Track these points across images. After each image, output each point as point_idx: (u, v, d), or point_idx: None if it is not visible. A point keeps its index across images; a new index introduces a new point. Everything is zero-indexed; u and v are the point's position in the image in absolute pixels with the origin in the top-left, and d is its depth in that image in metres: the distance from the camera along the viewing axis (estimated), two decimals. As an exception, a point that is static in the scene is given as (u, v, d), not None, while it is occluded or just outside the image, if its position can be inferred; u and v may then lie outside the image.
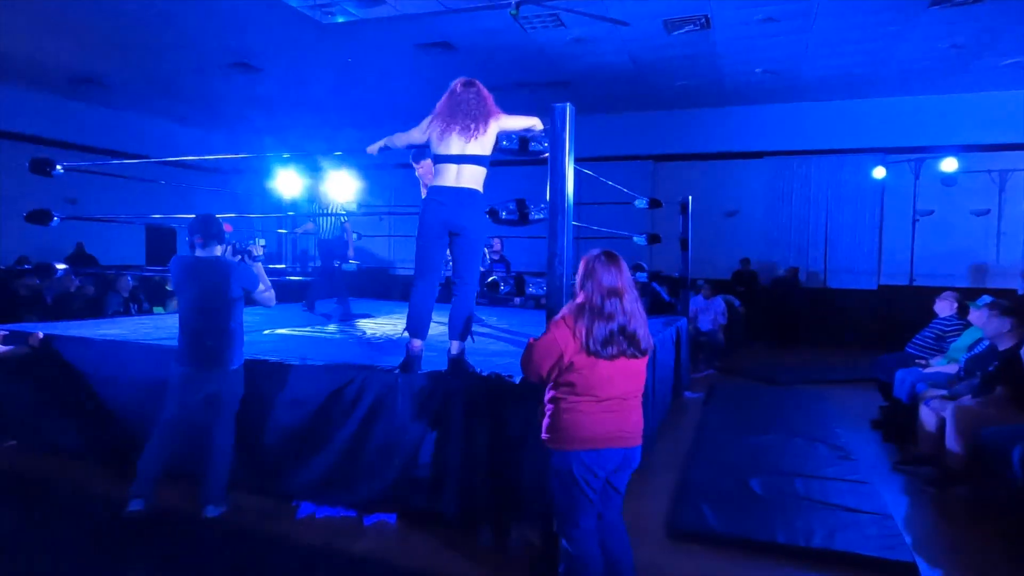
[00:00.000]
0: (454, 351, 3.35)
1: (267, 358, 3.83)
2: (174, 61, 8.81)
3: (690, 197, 6.96)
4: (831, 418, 5.76)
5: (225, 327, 3.44)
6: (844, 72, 8.80)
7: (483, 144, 3.28)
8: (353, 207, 7.96)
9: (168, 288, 8.33)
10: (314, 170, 9.19)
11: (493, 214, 3.27)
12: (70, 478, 4.07)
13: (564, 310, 2.43)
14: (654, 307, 7.77)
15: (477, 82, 3.33)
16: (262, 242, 3.75)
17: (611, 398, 2.34)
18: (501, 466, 3.20)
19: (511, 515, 3.22)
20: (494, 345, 4.62)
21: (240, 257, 3.59)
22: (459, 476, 3.22)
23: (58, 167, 4.62)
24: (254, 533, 3.35)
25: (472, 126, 3.22)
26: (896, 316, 9.37)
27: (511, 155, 3.52)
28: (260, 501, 3.67)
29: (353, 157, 8.02)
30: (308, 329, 5.23)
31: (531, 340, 2.43)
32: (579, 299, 2.38)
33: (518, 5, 6.49)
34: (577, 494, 2.35)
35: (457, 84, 3.31)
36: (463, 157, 3.26)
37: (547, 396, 2.46)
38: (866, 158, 10.11)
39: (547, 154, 3.11)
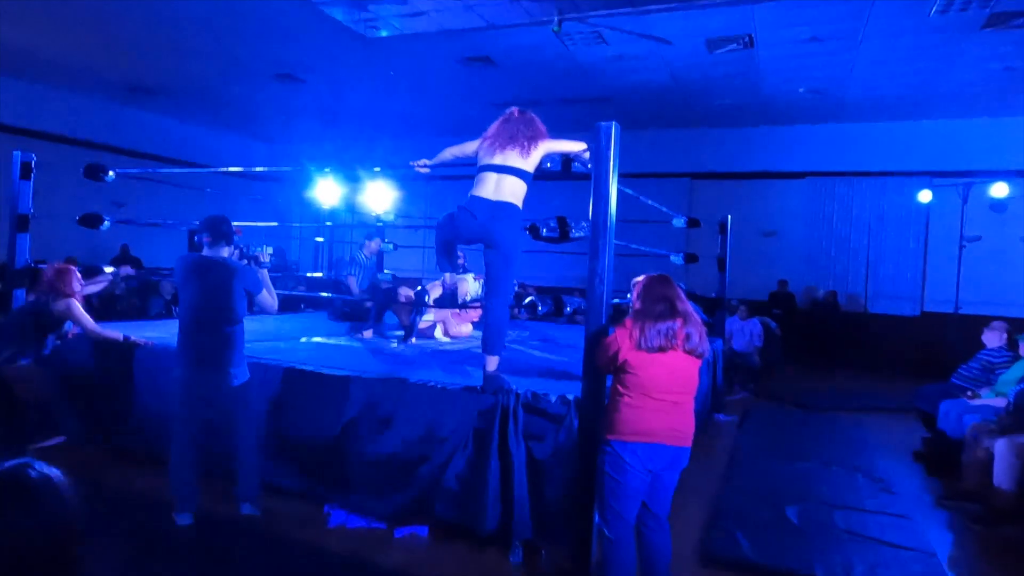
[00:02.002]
0: (489, 367, 3.34)
1: (304, 367, 3.88)
2: (222, 71, 9.06)
3: (729, 217, 6.87)
4: (871, 448, 5.60)
5: (224, 328, 3.37)
6: (890, 93, 8.63)
7: (528, 161, 3.34)
8: (391, 217, 8.07)
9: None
10: (353, 180, 9.33)
11: (534, 230, 3.26)
12: (110, 475, 4.15)
13: (627, 317, 2.75)
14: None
15: (530, 112, 3.45)
16: (269, 250, 3.78)
17: (665, 399, 2.59)
18: (533, 485, 3.17)
19: (542, 535, 3.19)
20: (530, 361, 4.60)
21: (247, 262, 3.58)
22: (491, 493, 3.19)
23: (110, 173, 4.77)
24: (286, 540, 3.37)
25: (524, 144, 3.31)
26: (939, 344, 9.09)
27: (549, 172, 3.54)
28: (293, 507, 3.70)
29: (392, 169, 8.12)
30: (343, 339, 5.28)
31: (600, 339, 2.83)
32: (635, 307, 2.70)
33: (560, 22, 6.54)
34: (624, 481, 2.59)
35: (514, 111, 3.43)
36: (504, 168, 3.30)
37: (611, 395, 2.73)
38: (911, 181, 9.87)
39: (589, 173, 3.12)
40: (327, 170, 9.15)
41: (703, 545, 3.48)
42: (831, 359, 9.86)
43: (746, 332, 8.23)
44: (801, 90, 8.66)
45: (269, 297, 3.60)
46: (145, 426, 4.29)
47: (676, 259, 6.13)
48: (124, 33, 7.66)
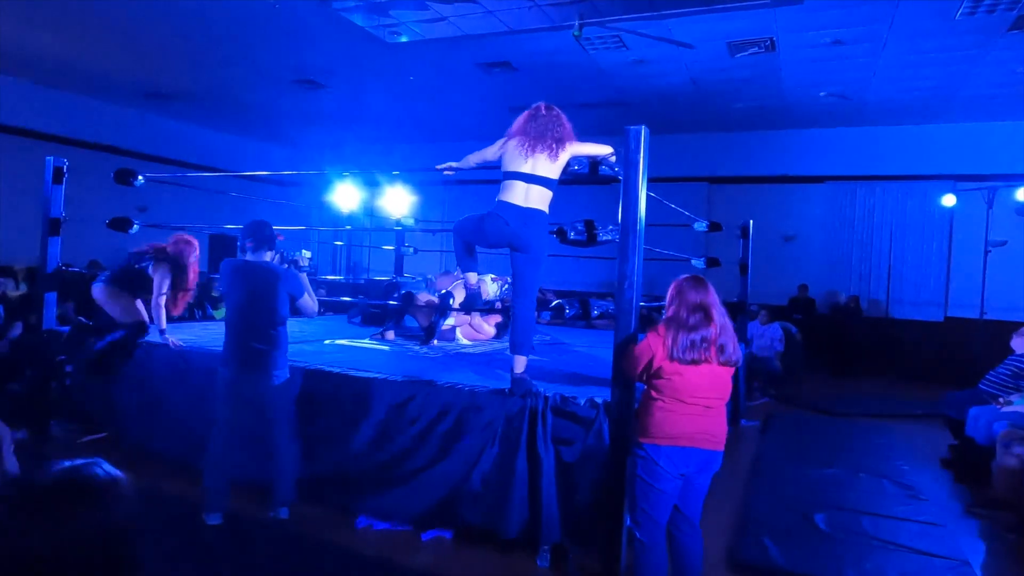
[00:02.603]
0: (517, 369, 3.34)
1: (329, 369, 3.90)
2: (244, 78, 9.16)
3: (751, 221, 6.83)
4: (896, 454, 5.53)
5: (269, 331, 3.45)
6: (914, 97, 8.54)
7: (555, 167, 3.33)
8: (410, 221, 8.12)
9: (214, 294, 8.54)
10: (372, 184, 9.41)
11: (561, 234, 3.27)
12: (144, 476, 4.18)
13: (659, 323, 2.68)
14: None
15: (556, 108, 3.39)
16: (308, 254, 3.86)
17: (696, 403, 2.57)
18: (562, 488, 3.17)
19: (570, 539, 3.18)
20: (554, 365, 4.59)
21: (287, 266, 3.65)
22: (518, 496, 3.19)
23: (139, 177, 4.83)
24: (313, 541, 3.39)
25: (552, 147, 3.27)
26: (964, 350, 8.96)
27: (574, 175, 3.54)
28: (319, 509, 3.70)
29: (410, 174, 8.16)
30: (367, 341, 5.31)
31: (630, 346, 2.78)
32: (668, 313, 2.66)
33: (581, 27, 6.55)
34: (657, 485, 2.58)
35: (541, 106, 3.37)
36: (534, 177, 3.29)
37: (643, 399, 2.72)
38: (934, 185, 9.75)
39: (611, 177, 3.14)
40: (346, 175, 9.24)
41: (731, 551, 3.45)
42: (853, 364, 9.76)
43: (767, 337, 8.18)
44: (822, 94, 8.60)
45: (310, 300, 3.69)
46: (169, 428, 4.33)
47: (698, 263, 6.10)
48: (146, 39, 7.75)
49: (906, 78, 7.84)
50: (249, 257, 3.55)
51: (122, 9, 6.84)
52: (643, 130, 2.97)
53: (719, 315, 2.60)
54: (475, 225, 3.48)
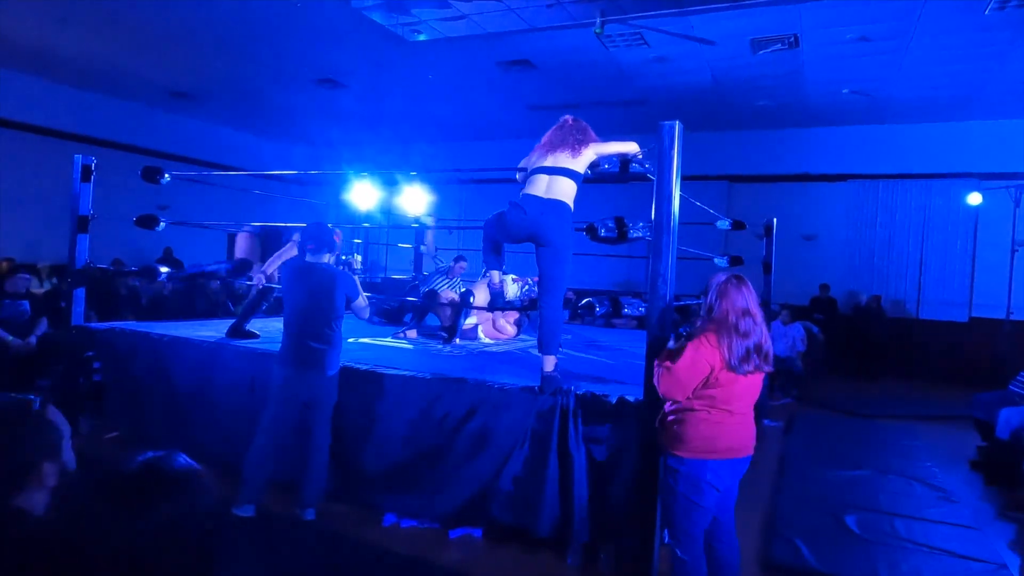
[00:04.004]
0: (547, 367, 3.32)
1: (357, 366, 3.89)
2: (264, 78, 9.20)
3: (775, 220, 6.77)
4: (924, 456, 5.45)
5: (327, 331, 3.51)
6: (940, 93, 8.42)
7: (577, 162, 3.37)
8: (430, 220, 8.11)
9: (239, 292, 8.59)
10: (390, 183, 9.41)
11: (592, 231, 3.24)
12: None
13: (702, 330, 2.49)
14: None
15: (583, 121, 3.52)
16: (359, 257, 3.90)
17: (741, 412, 2.49)
18: (592, 487, 3.14)
19: (601, 537, 3.15)
20: (578, 364, 4.56)
21: (341, 268, 3.71)
22: (548, 495, 3.17)
23: (166, 176, 4.87)
24: (342, 537, 3.39)
25: (575, 146, 3.35)
26: (989, 351, 8.83)
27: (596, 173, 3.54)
28: (345, 505, 3.71)
29: (427, 172, 8.15)
30: (389, 339, 5.30)
31: (667, 364, 2.47)
32: (716, 316, 2.48)
33: (603, 23, 6.51)
34: (701, 502, 2.46)
35: (568, 119, 3.49)
36: (555, 168, 3.34)
37: (679, 408, 2.52)
38: (959, 183, 9.60)
39: (642, 175, 3.12)
40: (364, 174, 9.25)
41: (763, 553, 3.41)
42: (875, 365, 9.63)
43: (789, 337, 8.09)
44: (845, 91, 8.49)
45: (364, 302, 3.76)
46: (195, 424, 4.34)
47: (721, 262, 6.05)
48: (170, 39, 7.80)
49: (932, 74, 7.73)
50: (309, 259, 3.62)
51: (146, 9, 6.89)
52: (677, 125, 2.94)
53: (762, 318, 2.51)
54: (498, 218, 3.50)
